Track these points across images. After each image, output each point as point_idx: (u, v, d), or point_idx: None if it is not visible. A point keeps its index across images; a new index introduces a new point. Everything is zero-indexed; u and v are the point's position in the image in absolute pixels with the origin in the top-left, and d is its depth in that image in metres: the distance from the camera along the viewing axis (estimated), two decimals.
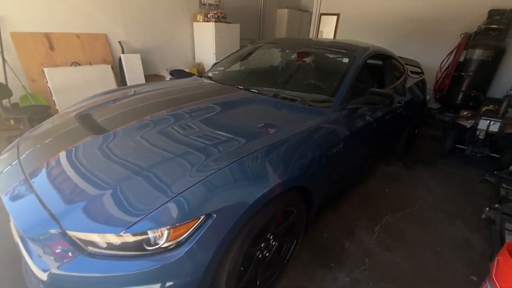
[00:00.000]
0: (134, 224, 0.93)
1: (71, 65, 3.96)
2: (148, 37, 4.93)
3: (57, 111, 3.59)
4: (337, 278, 1.64)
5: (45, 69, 3.61)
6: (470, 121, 3.33)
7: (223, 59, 2.81)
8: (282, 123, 1.54)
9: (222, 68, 2.66)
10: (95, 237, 0.96)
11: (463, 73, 4.09)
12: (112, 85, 4.35)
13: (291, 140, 1.37)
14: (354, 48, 2.18)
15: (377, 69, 2.69)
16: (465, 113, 3.61)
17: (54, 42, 3.80)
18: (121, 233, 0.94)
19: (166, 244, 0.97)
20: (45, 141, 1.43)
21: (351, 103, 1.83)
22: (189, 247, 0.98)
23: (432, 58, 4.68)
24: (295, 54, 2.53)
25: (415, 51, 4.78)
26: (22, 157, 1.32)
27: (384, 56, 2.56)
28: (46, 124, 1.66)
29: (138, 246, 0.97)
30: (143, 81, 4.65)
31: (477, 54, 3.97)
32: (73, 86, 3.91)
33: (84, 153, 1.26)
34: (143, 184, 1.05)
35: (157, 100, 1.88)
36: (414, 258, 1.83)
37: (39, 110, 3.15)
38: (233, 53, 2.86)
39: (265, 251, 1.34)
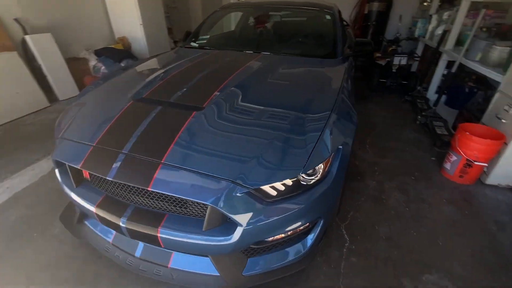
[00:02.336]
0: (304, 166, 1.13)
1: None
2: (51, 12, 3.92)
3: None
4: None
5: None
6: (384, 60, 4.40)
7: (199, 27, 2.71)
8: (323, 75, 1.83)
9: (208, 36, 2.61)
10: (272, 186, 1.11)
11: (368, 23, 5.16)
12: (28, 78, 3.42)
13: (343, 87, 1.70)
14: (329, 5, 2.56)
15: None
16: (377, 54, 4.69)
17: None
18: (297, 176, 1.12)
19: (319, 177, 1.22)
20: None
21: (344, 54, 2.26)
22: (334, 174, 1.25)
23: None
24: (279, 15, 2.73)
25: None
26: None
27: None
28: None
29: (300, 185, 1.18)
30: (65, 67, 3.81)
31: (375, 6, 5.06)
32: None
33: (204, 128, 1.26)
34: (291, 137, 1.21)
35: (202, 74, 1.77)
36: (397, 157, 2.61)
37: None
38: (207, 18, 2.77)
39: None
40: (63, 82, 3.86)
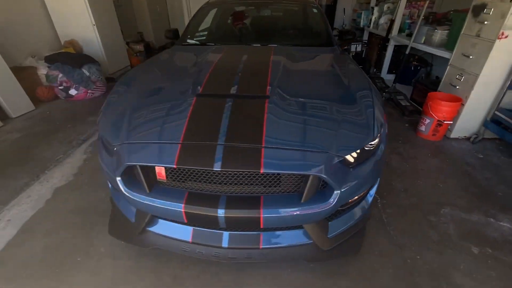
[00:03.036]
0: (372, 136, 1.35)
1: None
2: None
3: None
4: None
5: None
6: (342, 47, 4.97)
7: (190, 24, 2.68)
8: (339, 60, 2.07)
9: (206, 32, 2.61)
10: (353, 155, 1.31)
11: None
12: None
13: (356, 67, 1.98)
14: (310, 0, 2.84)
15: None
16: None
17: None
18: (370, 143, 1.33)
19: (378, 142, 1.45)
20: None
21: (337, 42, 2.57)
22: (384, 143, 1.50)
23: None
24: (268, 9, 2.89)
25: None
26: None
27: None
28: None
29: (365, 152, 1.39)
30: (13, 79, 3.25)
31: (324, 0, 5.61)
32: None
33: (282, 111, 1.37)
34: (355, 114, 1.40)
35: (239, 68, 1.80)
36: None
37: None
38: (195, 15, 2.75)
39: None
40: (13, 97, 3.28)
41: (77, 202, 1.98)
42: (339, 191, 1.24)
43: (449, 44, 3.00)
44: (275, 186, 1.28)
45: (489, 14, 2.31)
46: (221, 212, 1.22)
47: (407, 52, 3.66)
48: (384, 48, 4.50)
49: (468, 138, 2.82)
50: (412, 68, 4.13)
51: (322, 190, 1.29)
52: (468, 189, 2.13)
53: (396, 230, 1.75)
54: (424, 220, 1.83)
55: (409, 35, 3.90)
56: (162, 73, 1.91)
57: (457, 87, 2.72)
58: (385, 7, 4.64)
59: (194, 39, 2.57)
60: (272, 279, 1.46)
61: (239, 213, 1.22)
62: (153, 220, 1.47)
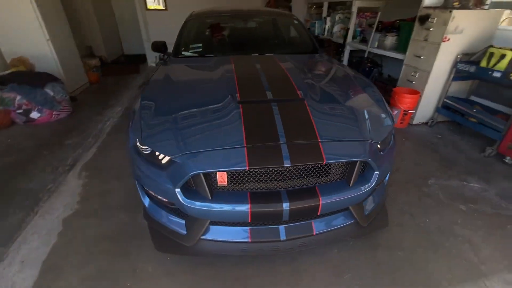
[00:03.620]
0: (394, 123, 1.63)
1: None
2: None
3: None
4: None
5: None
6: None
7: (181, 37, 2.70)
8: (335, 64, 2.36)
9: (200, 44, 2.66)
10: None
11: None
12: None
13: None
14: (289, 13, 3.13)
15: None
16: None
17: None
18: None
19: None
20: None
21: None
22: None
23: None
24: (252, 21, 3.08)
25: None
26: None
27: None
28: None
29: (390, 137, 1.66)
30: None
31: None
32: None
33: (320, 110, 1.57)
34: (374, 111, 1.66)
35: (261, 76, 1.94)
36: None
37: None
38: (183, 29, 2.78)
39: None
40: None
41: (97, 229, 1.84)
42: (378, 172, 1.48)
43: (400, 47, 3.63)
44: (326, 176, 1.46)
45: (433, 22, 2.91)
46: (286, 206, 1.34)
47: (365, 55, 4.25)
48: (340, 53, 5.10)
49: (426, 123, 3.44)
50: (367, 69, 4.79)
51: (362, 174, 1.52)
52: (440, 162, 2.63)
53: (403, 203, 2.09)
54: (420, 192, 2.22)
55: (362, 40, 4.53)
56: (186, 84, 1.95)
57: (413, 82, 3.31)
58: (337, 17, 5.27)
59: (190, 51, 2.60)
60: (325, 262, 1.63)
61: (301, 204, 1.36)
62: (207, 228, 1.50)
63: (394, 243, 1.74)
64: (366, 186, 1.47)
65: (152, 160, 1.45)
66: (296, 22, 3.04)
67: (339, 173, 1.48)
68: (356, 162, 1.41)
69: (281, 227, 1.52)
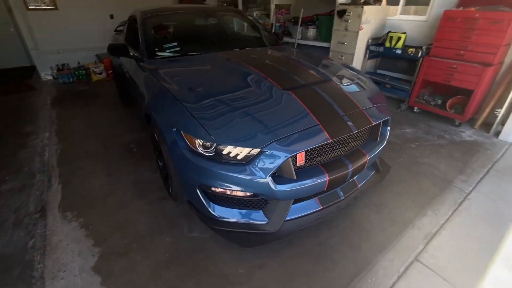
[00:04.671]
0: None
1: None
2: None
3: None
4: None
5: None
6: None
7: (146, 37, 2.44)
8: (306, 52, 2.72)
9: (175, 43, 2.49)
10: None
11: None
12: None
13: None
14: (237, 9, 3.29)
15: None
16: None
17: None
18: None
19: None
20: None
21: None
22: None
23: None
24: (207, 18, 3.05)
25: None
26: None
27: None
28: None
29: None
30: None
31: None
32: None
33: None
34: (367, 83, 2.13)
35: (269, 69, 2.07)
36: None
37: None
38: (144, 28, 2.51)
39: None
40: None
41: (147, 261, 1.59)
42: (389, 127, 1.96)
43: (323, 37, 4.40)
44: (359, 140, 1.81)
45: (350, 15, 3.72)
46: (350, 168, 1.63)
47: (295, 46, 4.88)
48: None
49: None
50: None
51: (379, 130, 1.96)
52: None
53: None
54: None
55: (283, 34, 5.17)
56: (209, 81, 1.93)
57: None
58: (254, 14, 5.72)
59: (167, 51, 2.41)
60: (361, 209, 2.00)
61: (358, 163, 1.68)
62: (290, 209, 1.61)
63: (395, 178, 2.30)
64: (385, 140, 1.92)
65: (229, 158, 1.42)
66: (251, 17, 3.25)
67: (367, 135, 1.87)
68: (380, 122, 1.82)
69: (338, 189, 1.80)
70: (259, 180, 1.40)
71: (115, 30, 4.22)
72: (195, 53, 2.42)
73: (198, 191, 1.54)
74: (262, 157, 1.40)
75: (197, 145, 1.46)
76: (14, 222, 1.86)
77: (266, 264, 1.57)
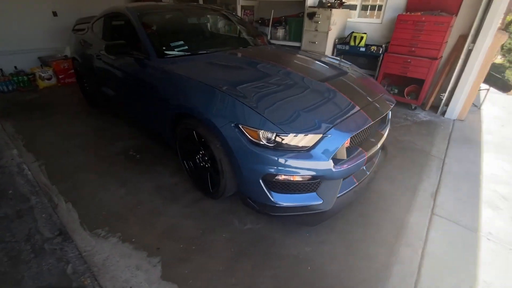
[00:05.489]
0: None
1: None
2: None
3: None
4: None
5: None
6: None
7: (148, 37, 2.31)
8: (294, 49, 2.95)
9: (182, 42, 2.41)
10: None
11: None
12: None
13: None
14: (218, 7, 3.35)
15: None
16: None
17: None
18: None
19: None
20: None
21: None
22: None
23: None
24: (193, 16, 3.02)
25: None
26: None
27: None
28: None
29: None
30: None
31: None
32: None
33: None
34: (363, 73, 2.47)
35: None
36: None
37: None
38: (142, 27, 2.37)
39: None
40: None
41: (211, 261, 1.58)
42: (390, 111, 2.33)
43: (292, 37, 4.73)
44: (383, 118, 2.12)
45: (319, 17, 4.12)
46: (378, 146, 1.92)
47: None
48: None
49: None
50: None
51: None
52: None
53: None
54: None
55: None
56: (246, 77, 1.98)
57: None
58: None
59: (176, 50, 2.33)
60: (377, 182, 2.34)
61: (381, 141, 1.98)
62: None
63: (389, 154, 2.72)
64: (389, 121, 2.28)
65: (290, 146, 1.53)
66: (230, 17, 3.33)
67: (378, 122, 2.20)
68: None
69: (364, 166, 2.07)
70: (322, 163, 1.56)
71: (73, 29, 3.73)
72: (205, 52, 2.40)
73: (261, 181, 1.61)
74: (323, 142, 1.55)
75: (261, 137, 1.53)
76: (33, 252, 1.58)
77: (326, 240, 1.73)
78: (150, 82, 2.16)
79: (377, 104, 1.87)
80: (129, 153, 2.63)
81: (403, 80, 3.95)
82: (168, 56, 2.25)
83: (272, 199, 1.64)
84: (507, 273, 1.56)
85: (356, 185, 1.92)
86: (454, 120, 3.65)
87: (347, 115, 1.67)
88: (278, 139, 1.53)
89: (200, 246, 1.66)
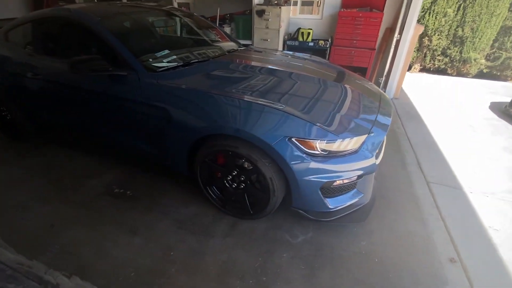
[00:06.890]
0: None
1: None
2: None
3: None
4: None
5: None
6: None
7: (124, 43, 1.89)
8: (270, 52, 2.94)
9: (168, 51, 2.05)
10: None
11: None
12: None
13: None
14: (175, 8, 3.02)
15: None
16: None
17: None
18: None
19: None
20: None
21: None
22: None
23: None
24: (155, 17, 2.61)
25: None
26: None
27: None
28: None
29: None
30: None
31: None
32: None
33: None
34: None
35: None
36: None
37: None
38: (117, 35, 1.92)
39: None
40: None
41: (287, 283, 1.49)
42: None
43: (242, 35, 4.65)
44: None
45: (269, 15, 4.17)
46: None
47: None
48: None
49: None
50: None
51: None
52: None
53: None
54: None
55: None
56: (280, 86, 1.88)
57: None
58: None
59: (164, 61, 1.97)
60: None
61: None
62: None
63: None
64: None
65: (338, 150, 1.55)
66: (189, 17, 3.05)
67: None
68: None
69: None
70: (368, 160, 1.64)
71: None
72: (200, 60, 2.12)
73: (319, 191, 1.58)
74: (367, 140, 1.63)
75: (316, 147, 1.50)
76: None
77: (372, 230, 1.86)
78: (145, 102, 1.79)
79: (383, 97, 2.07)
80: (114, 191, 2.13)
81: (349, 69, 4.45)
82: (161, 69, 1.89)
83: (329, 206, 1.65)
84: (492, 216, 2.04)
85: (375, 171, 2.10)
86: (392, 99, 4.37)
87: (377, 112, 1.80)
88: (328, 146, 1.53)
89: (270, 275, 1.53)
